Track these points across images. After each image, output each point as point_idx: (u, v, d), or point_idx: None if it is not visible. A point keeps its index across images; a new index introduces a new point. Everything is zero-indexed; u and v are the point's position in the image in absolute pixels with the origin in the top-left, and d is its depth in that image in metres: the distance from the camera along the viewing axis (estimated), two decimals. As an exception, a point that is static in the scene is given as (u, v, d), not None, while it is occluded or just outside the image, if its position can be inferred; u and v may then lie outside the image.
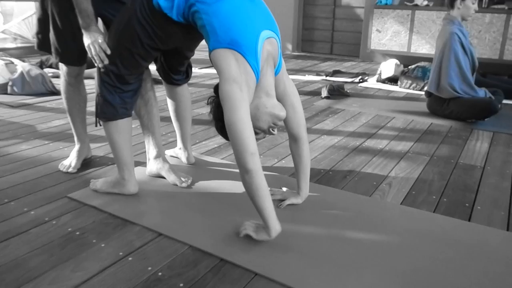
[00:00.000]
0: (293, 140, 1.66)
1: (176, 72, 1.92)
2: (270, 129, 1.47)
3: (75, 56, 1.86)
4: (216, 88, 1.44)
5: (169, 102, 2.03)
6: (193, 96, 1.80)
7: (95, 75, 1.67)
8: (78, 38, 1.77)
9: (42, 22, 1.85)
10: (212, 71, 4.79)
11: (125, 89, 1.65)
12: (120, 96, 1.65)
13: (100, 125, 1.73)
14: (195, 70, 4.77)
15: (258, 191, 1.35)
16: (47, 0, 1.78)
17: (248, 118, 1.33)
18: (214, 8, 1.36)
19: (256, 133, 1.47)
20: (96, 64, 1.64)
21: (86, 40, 1.63)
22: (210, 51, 1.38)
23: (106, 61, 1.59)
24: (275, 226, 1.40)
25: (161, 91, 3.67)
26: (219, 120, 1.44)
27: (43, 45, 1.88)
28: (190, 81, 2.03)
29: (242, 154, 1.32)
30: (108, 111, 1.65)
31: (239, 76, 1.33)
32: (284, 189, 1.82)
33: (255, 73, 1.37)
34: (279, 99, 1.55)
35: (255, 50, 1.36)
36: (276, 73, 1.50)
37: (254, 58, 1.36)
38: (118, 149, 1.72)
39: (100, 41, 1.60)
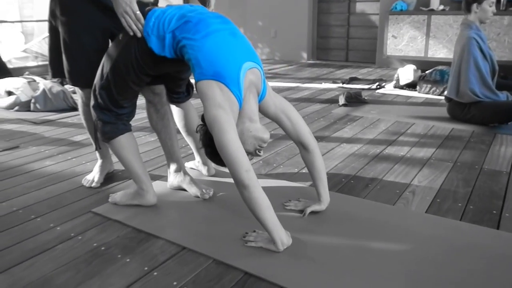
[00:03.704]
0: (303, 148, 1.70)
1: (175, 93, 1.95)
2: (256, 151, 1.54)
3: (89, 79, 1.83)
4: (203, 117, 1.51)
5: (176, 119, 2.04)
6: (198, 110, 1.82)
7: (91, 101, 1.72)
8: (92, 59, 1.77)
9: (53, 51, 1.87)
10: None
11: (120, 112, 1.72)
12: (115, 116, 1.71)
13: (100, 148, 1.89)
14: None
15: (258, 204, 1.40)
16: (57, 24, 1.79)
17: (237, 138, 1.41)
18: (199, 44, 1.47)
19: None
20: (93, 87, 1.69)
21: (118, 8, 1.56)
22: (196, 82, 1.49)
23: (139, 34, 1.57)
24: (282, 239, 1.44)
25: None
26: (208, 146, 1.50)
27: (57, 73, 1.90)
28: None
29: (238, 172, 1.37)
30: (108, 129, 1.71)
31: (223, 102, 1.42)
32: (302, 200, 1.81)
33: (238, 100, 1.47)
34: (275, 118, 1.65)
35: (237, 80, 1.46)
36: (260, 99, 1.59)
37: (237, 87, 1.46)
38: (128, 163, 1.77)
39: (134, 8, 1.56)
